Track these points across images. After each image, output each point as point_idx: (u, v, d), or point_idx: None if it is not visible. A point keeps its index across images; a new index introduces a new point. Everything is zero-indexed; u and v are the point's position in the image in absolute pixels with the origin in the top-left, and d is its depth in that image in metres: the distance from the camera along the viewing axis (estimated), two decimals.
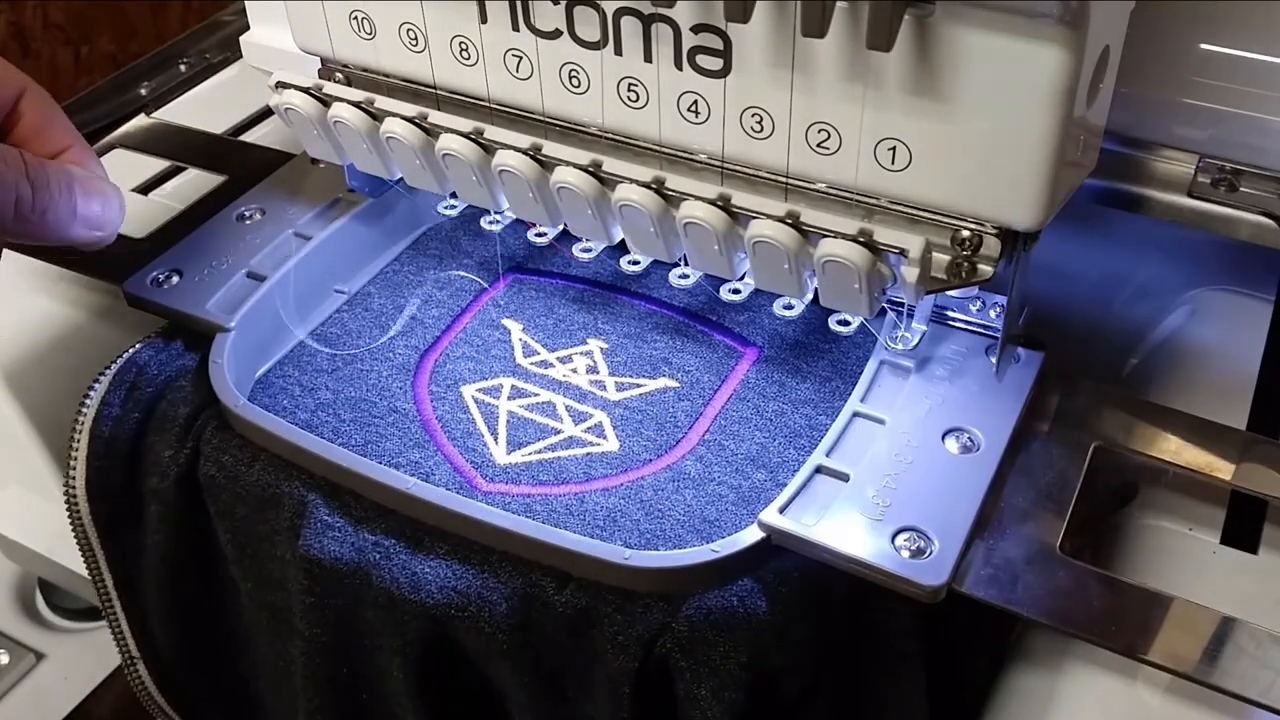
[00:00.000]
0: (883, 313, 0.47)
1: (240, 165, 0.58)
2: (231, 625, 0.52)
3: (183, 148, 0.61)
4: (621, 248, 0.49)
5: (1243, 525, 0.46)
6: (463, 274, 0.55)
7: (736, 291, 0.51)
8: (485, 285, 0.55)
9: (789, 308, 0.50)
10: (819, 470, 0.43)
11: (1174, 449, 0.44)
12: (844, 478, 0.42)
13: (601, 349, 0.52)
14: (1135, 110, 0.51)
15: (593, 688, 0.43)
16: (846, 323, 0.49)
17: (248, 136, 0.68)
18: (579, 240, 0.54)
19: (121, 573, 0.51)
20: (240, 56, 0.70)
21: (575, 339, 0.52)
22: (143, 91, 0.65)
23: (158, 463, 0.47)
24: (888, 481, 0.42)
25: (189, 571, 0.50)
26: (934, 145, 0.40)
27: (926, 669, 0.44)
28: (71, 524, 0.50)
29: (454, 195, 0.51)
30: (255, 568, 0.47)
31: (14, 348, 0.56)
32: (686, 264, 0.48)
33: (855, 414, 0.45)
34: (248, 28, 0.72)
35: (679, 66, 0.42)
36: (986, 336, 0.48)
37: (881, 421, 0.44)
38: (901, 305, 0.47)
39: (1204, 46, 0.52)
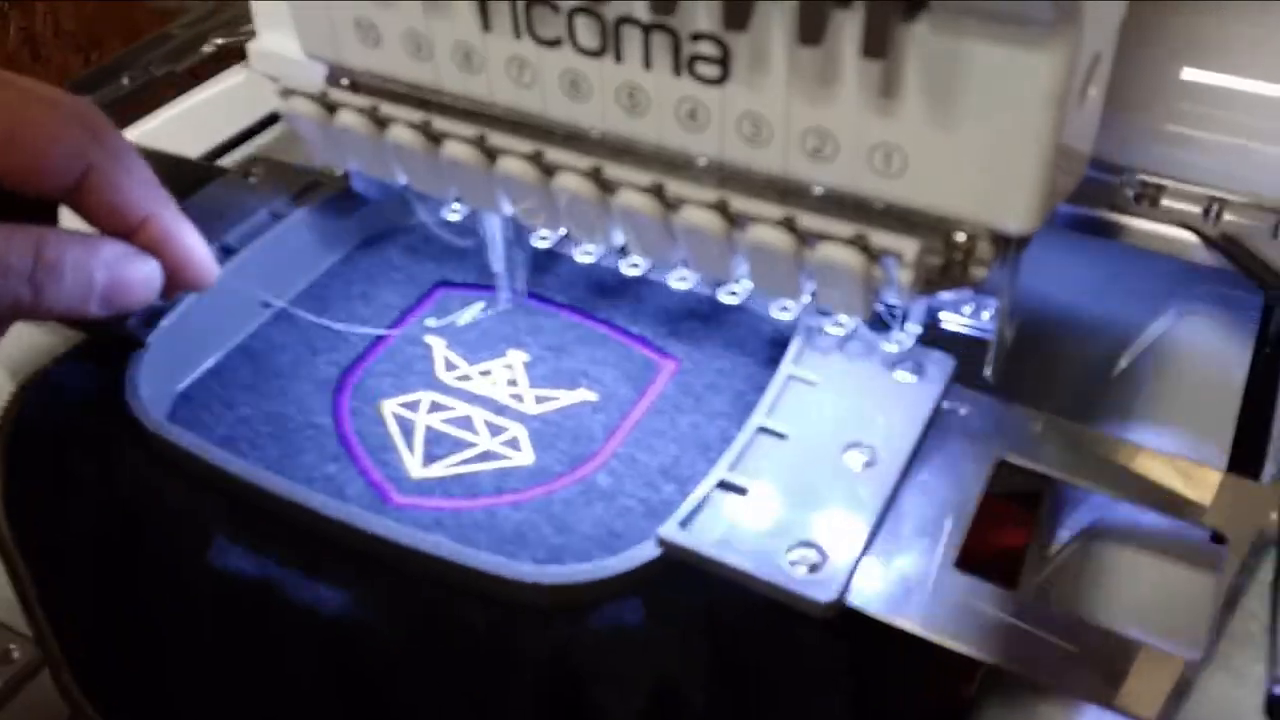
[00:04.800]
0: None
1: (172, 179, 0.58)
2: (156, 638, 0.52)
3: None
4: (622, 251, 0.49)
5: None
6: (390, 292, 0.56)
7: (733, 293, 0.51)
8: (412, 302, 0.55)
9: (785, 309, 0.51)
10: (721, 485, 0.43)
11: (1077, 464, 0.44)
12: (743, 492, 0.43)
13: (523, 362, 0.52)
14: None
15: (503, 705, 0.43)
16: (841, 324, 0.49)
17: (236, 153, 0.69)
18: (579, 243, 0.55)
19: (46, 588, 0.52)
20: (186, 68, 0.70)
21: (496, 351, 0.52)
22: None
23: (74, 480, 0.48)
24: (786, 496, 0.42)
25: (112, 590, 0.50)
26: (928, 151, 0.40)
27: (859, 694, 0.44)
28: None
29: (458, 200, 0.52)
30: (173, 586, 0.48)
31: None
32: (686, 266, 0.49)
33: (759, 429, 0.45)
34: (197, 40, 0.72)
35: (678, 74, 0.43)
36: (977, 335, 0.48)
37: (784, 436, 0.45)
38: (894, 307, 0.47)
39: (1126, 61, 0.53)
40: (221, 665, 0.48)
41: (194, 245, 0.46)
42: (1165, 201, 0.53)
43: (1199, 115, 0.53)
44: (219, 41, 0.74)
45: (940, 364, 0.47)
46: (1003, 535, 0.55)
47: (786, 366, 0.47)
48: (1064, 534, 0.50)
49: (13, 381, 0.50)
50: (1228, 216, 0.52)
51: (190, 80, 0.73)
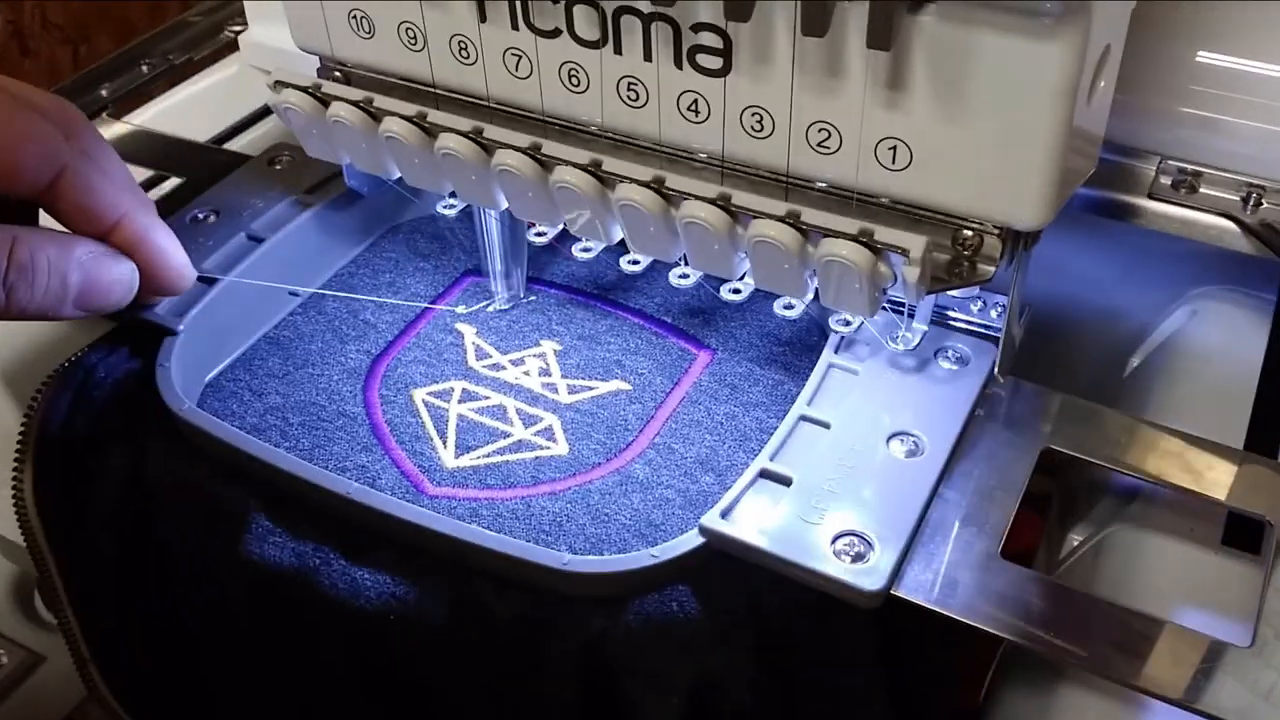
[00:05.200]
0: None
1: (197, 167, 0.58)
2: (185, 627, 0.51)
3: (141, 150, 0.61)
4: (621, 247, 0.48)
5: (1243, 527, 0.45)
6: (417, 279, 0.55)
7: (737, 291, 0.51)
8: (440, 291, 0.54)
9: (789, 307, 0.50)
10: (763, 474, 0.42)
11: (1122, 452, 0.44)
12: (787, 482, 0.42)
13: (555, 351, 0.51)
14: None
15: (537, 693, 0.42)
16: (847, 322, 0.49)
17: (243, 137, 0.68)
18: (578, 240, 0.54)
19: (72, 577, 0.51)
20: (204, 55, 0.70)
21: (528, 341, 0.52)
22: (104, 93, 0.65)
23: (104, 467, 0.47)
24: (830, 486, 0.42)
25: (139, 575, 0.49)
26: (934, 145, 0.40)
27: (893, 687, 0.44)
28: (21, 529, 0.49)
29: (453, 195, 0.51)
30: (203, 571, 0.47)
31: (11, 349, 0.55)
32: (686, 264, 0.48)
33: (801, 417, 0.44)
34: (214, 29, 0.72)
35: (679, 65, 0.42)
36: (985, 333, 0.48)
37: (827, 425, 0.44)
38: (901, 305, 0.47)
39: (1162, 49, 0.52)
40: (252, 654, 0.48)
41: (169, 247, 0.46)
42: (1203, 189, 0.53)
43: (1236, 101, 0.52)
44: (235, 30, 0.73)
45: (983, 352, 0.46)
46: (1013, 538, 0.54)
47: (828, 355, 0.47)
48: (1075, 537, 0.50)
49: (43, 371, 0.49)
50: (1266, 204, 0.52)
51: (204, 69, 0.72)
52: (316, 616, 0.43)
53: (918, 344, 0.47)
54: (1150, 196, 0.53)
